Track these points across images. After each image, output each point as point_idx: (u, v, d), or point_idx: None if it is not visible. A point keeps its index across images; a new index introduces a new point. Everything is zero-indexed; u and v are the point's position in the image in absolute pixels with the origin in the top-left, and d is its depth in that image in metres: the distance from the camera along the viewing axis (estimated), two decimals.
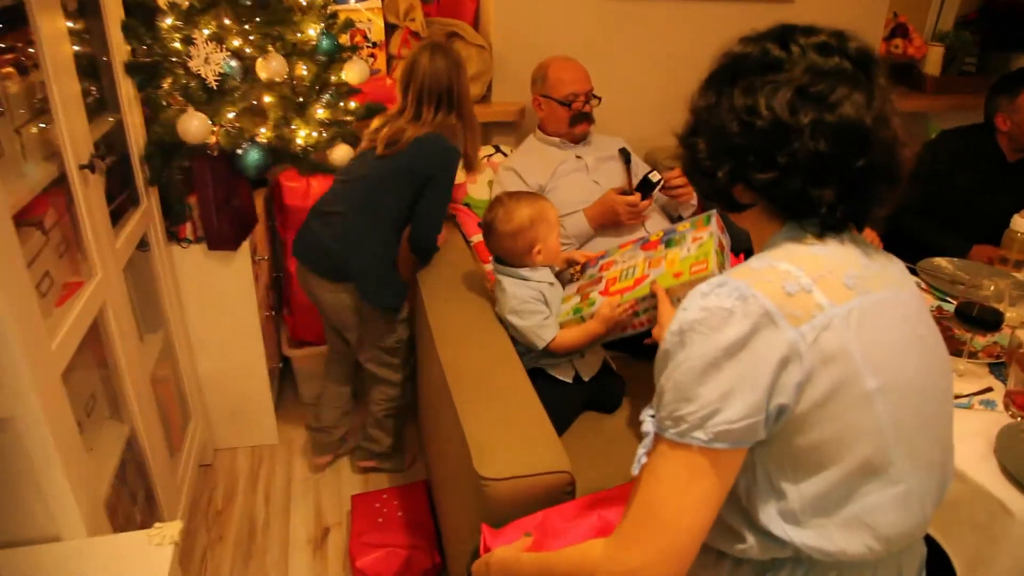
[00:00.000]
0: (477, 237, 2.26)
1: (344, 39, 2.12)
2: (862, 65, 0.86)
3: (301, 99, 2.02)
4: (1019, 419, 1.32)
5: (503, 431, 1.39)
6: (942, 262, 1.95)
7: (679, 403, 0.82)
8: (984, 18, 3.07)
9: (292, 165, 2.09)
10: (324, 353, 2.43)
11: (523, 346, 1.73)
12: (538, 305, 1.71)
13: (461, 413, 1.43)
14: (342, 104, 2.10)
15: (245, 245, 2.05)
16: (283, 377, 2.60)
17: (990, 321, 1.46)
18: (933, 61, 3.03)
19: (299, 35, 1.98)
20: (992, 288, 1.83)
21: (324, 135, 2.06)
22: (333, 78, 2.10)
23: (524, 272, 1.73)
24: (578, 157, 2.32)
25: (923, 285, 1.87)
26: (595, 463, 1.66)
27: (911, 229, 2.44)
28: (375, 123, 1.97)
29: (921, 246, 2.42)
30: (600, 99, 2.30)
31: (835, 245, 0.88)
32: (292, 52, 1.98)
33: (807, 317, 0.80)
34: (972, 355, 1.55)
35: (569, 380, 1.78)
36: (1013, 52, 3.10)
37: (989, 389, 1.43)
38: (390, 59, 2.51)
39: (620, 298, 1.60)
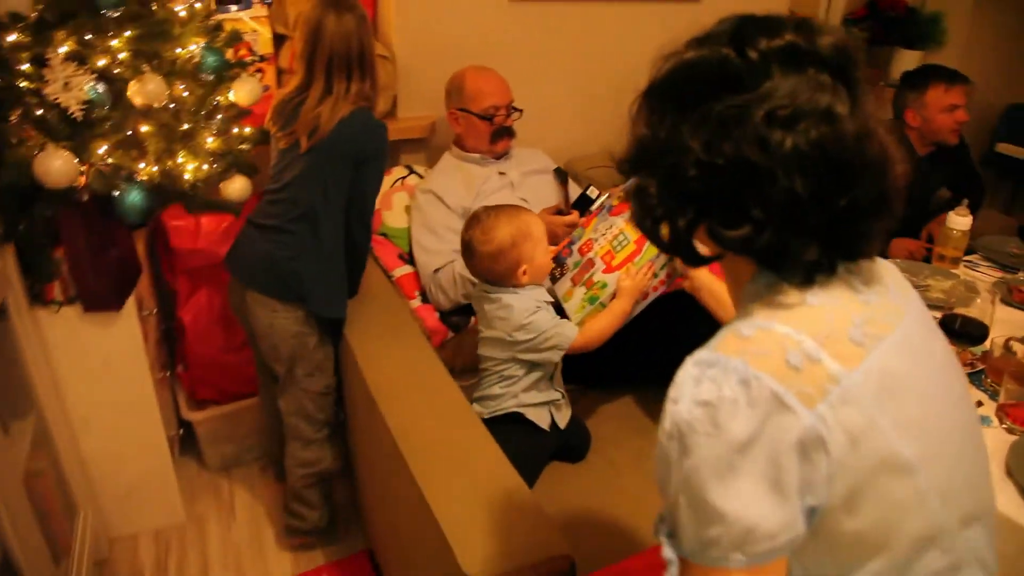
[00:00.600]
0: (400, 271, 2.05)
1: (230, 54, 1.84)
2: (839, 70, 0.70)
3: (186, 126, 1.72)
4: (1020, 433, 1.27)
5: (481, 511, 1.19)
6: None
7: (704, 525, 0.68)
8: (871, 15, 3.15)
9: (182, 204, 1.79)
10: (229, 414, 2.14)
11: (503, 384, 1.56)
12: (543, 312, 1.55)
13: (428, 494, 1.22)
14: (234, 130, 1.82)
15: (130, 301, 1.73)
16: (184, 445, 2.26)
17: (975, 335, 1.41)
18: None
19: (179, 51, 1.69)
20: (940, 287, 1.81)
21: (216, 167, 1.77)
22: (221, 99, 1.81)
23: (520, 289, 1.57)
24: (501, 174, 2.14)
25: None
26: (585, 529, 1.50)
27: None
28: (273, 107, 1.73)
29: None
30: (521, 112, 2.13)
31: (827, 289, 0.74)
32: (171, 71, 1.67)
33: (821, 394, 0.66)
34: None
35: (546, 427, 1.61)
36: (897, 48, 3.19)
37: (979, 404, 1.37)
38: (280, 74, 2.24)
39: (633, 265, 1.47)
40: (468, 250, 1.56)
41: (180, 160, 1.70)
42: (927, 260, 2.11)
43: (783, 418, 0.66)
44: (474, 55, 2.21)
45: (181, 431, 2.18)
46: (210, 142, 1.76)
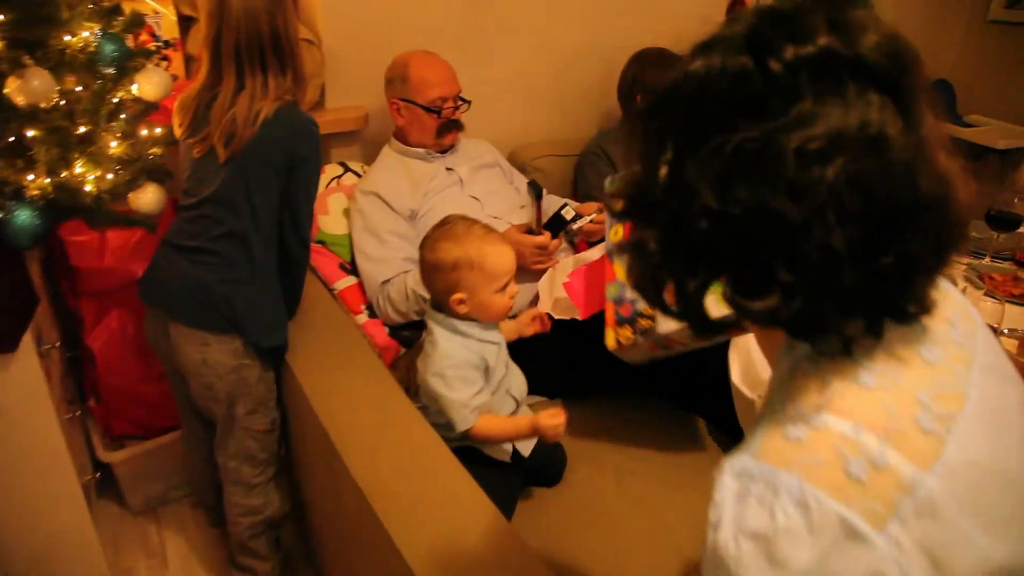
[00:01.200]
0: (343, 283, 1.84)
1: (131, 41, 1.57)
2: (888, 80, 0.54)
3: (83, 129, 1.46)
4: None
5: (457, 551, 1.07)
6: None
7: None
8: None
9: (84, 220, 1.52)
10: (152, 450, 1.90)
11: (440, 422, 1.38)
12: (472, 373, 1.36)
13: (397, 537, 1.08)
14: (143, 131, 1.56)
15: (26, 337, 1.47)
16: (102, 490, 2.00)
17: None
18: None
19: (68, 39, 1.42)
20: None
21: (122, 175, 1.52)
22: (123, 95, 1.55)
23: (463, 325, 1.37)
24: (449, 169, 1.96)
25: None
26: (570, 558, 1.37)
27: None
28: (178, 111, 1.48)
29: None
30: (469, 103, 1.95)
31: (880, 357, 0.59)
32: (61, 64, 1.41)
33: (891, 510, 0.53)
34: None
35: (507, 459, 1.46)
36: None
37: None
38: (189, 61, 1.97)
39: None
40: (422, 246, 1.40)
41: (79, 169, 1.44)
42: None
43: (852, 548, 0.52)
44: (408, 38, 2.01)
45: (98, 474, 1.92)
46: (114, 146, 1.49)
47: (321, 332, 1.63)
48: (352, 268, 1.87)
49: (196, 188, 1.46)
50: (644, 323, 1.29)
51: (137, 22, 1.57)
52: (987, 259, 1.88)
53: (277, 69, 1.40)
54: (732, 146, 0.54)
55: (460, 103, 1.92)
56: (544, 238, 1.76)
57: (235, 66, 1.37)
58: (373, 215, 1.82)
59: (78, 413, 1.85)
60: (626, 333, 1.32)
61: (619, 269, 1.40)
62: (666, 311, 0.64)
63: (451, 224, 1.37)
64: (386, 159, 1.95)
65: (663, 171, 0.60)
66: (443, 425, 1.35)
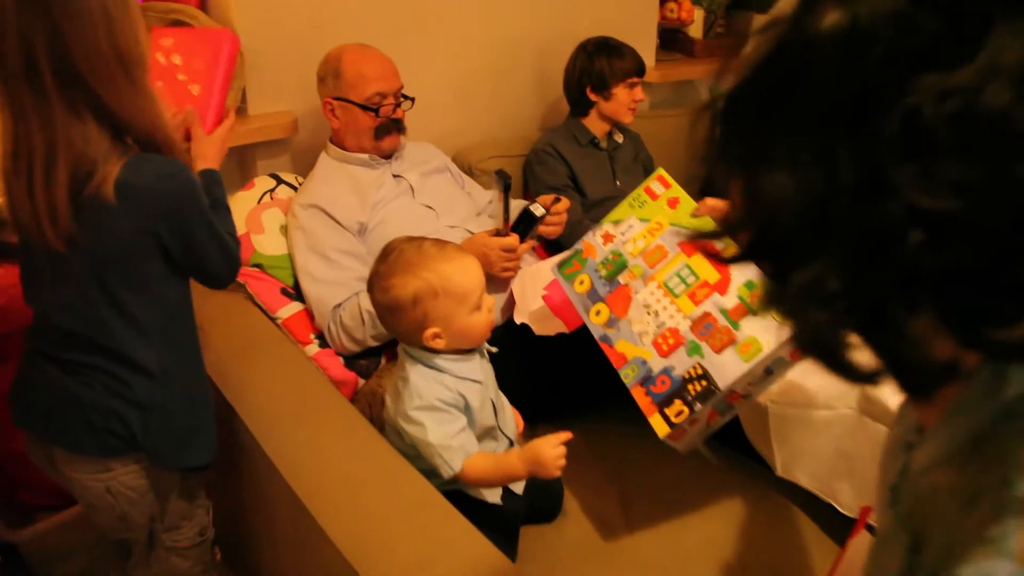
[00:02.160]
0: (286, 310, 1.60)
1: None
2: None
3: None
4: None
5: None
6: None
7: None
8: None
9: None
10: (69, 522, 1.60)
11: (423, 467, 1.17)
12: (450, 412, 1.15)
13: None
14: None
15: None
16: (10, 573, 1.66)
17: None
18: (696, 25, 2.93)
19: None
20: None
21: None
22: None
23: (437, 359, 1.16)
24: (396, 176, 1.75)
25: None
26: None
27: None
28: None
29: None
30: (413, 100, 1.75)
31: None
32: None
33: None
34: None
35: (498, 500, 1.26)
36: (757, 12, 3.14)
37: None
38: None
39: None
40: (369, 288, 1.19)
41: None
42: None
43: None
44: (335, 34, 1.78)
45: (1, 559, 1.58)
46: None
47: (270, 369, 1.39)
48: (296, 293, 1.62)
49: (35, 290, 1.12)
50: (697, 387, 1.09)
51: None
52: None
53: (86, 105, 0.97)
54: (927, 114, 0.37)
55: (402, 100, 1.72)
56: (512, 240, 1.58)
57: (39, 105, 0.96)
58: (317, 232, 1.58)
59: None
60: (677, 409, 1.10)
61: (626, 347, 1.20)
62: (857, 376, 0.46)
63: (396, 251, 1.17)
64: (325, 168, 1.72)
65: (814, 179, 0.42)
66: (427, 471, 1.14)
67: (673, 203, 1.24)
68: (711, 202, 1.20)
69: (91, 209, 0.97)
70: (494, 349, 1.29)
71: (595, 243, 1.33)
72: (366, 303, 1.52)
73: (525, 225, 1.60)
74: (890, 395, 1.22)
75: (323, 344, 1.59)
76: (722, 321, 1.09)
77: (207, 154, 1.26)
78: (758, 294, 1.05)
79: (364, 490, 1.10)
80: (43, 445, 1.15)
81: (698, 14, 2.90)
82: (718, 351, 1.09)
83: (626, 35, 2.17)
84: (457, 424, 1.16)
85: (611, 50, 2.07)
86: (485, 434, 1.26)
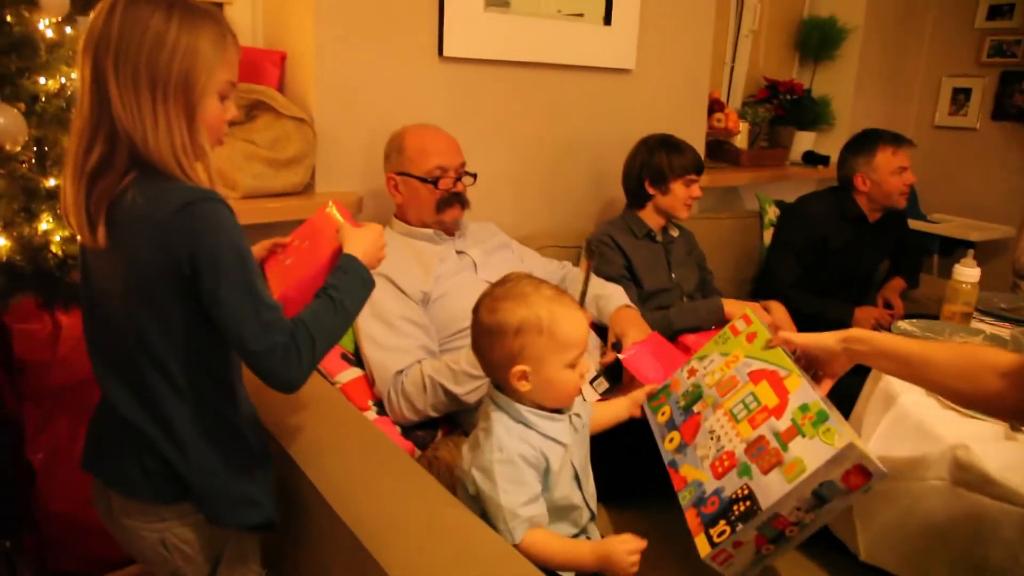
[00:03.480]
0: (346, 375, 1.58)
1: None
2: None
3: (53, 182, 1.23)
4: None
5: None
6: (907, 327, 1.72)
7: None
8: (771, 96, 3.19)
9: (38, 294, 1.25)
10: None
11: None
12: (526, 473, 1.10)
13: None
14: None
15: None
16: None
17: None
18: (741, 136, 3.04)
19: (44, 81, 1.21)
20: (976, 343, 1.63)
21: None
22: None
23: (527, 412, 1.12)
24: (460, 253, 1.77)
25: None
26: None
27: (795, 301, 2.26)
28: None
29: (806, 317, 2.25)
30: (475, 176, 1.80)
31: None
32: (33, 107, 1.20)
33: None
34: None
35: None
36: (798, 129, 3.25)
37: None
38: None
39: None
40: (474, 312, 1.17)
41: (43, 227, 1.19)
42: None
43: None
44: (404, 118, 1.87)
45: None
46: None
47: (331, 429, 1.35)
48: (356, 359, 1.61)
49: (92, 294, 1.08)
50: (741, 507, 1.06)
51: None
52: None
53: (168, 110, 0.98)
54: None
55: (463, 175, 1.77)
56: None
57: (100, 126, 0.99)
58: (382, 300, 1.59)
59: (6, 545, 1.46)
60: (720, 528, 1.06)
61: (689, 471, 1.19)
62: None
63: (514, 281, 1.16)
64: (390, 241, 1.73)
65: None
66: None
67: (751, 337, 1.26)
68: (784, 335, 1.22)
69: (101, 220, 0.95)
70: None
71: (681, 378, 1.35)
72: (429, 369, 1.51)
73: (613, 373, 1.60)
74: (986, 460, 1.15)
75: (381, 411, 1.56)
76: (773, 443, 1.08)
77: (353, 244, 1.16)
78: (810, 416, 1.02)
79: (435, 543, 1.03)
80: (103, 492, 1.11)
81: (743, 126, 3.01)
82: (765, 472, 1.06)
83: None
84: (530, 490, 1.11)
85: (671, 147, 2.13)
86: (564, 515, 1.20)
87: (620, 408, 1.38)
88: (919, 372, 1.07)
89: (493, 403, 1.16)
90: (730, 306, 1.99)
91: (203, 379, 1.04)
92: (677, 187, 2.11)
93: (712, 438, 1.18)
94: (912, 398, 1.39)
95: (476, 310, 1.17)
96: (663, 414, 1.33)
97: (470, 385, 1.50)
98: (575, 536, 1.22)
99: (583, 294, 1.57)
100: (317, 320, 1.03)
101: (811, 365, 1.22)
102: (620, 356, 1.58)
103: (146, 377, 1.01)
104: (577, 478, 1.21)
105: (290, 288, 1.15)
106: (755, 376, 1.18)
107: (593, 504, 1.25)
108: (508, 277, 1.18)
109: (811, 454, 1.02)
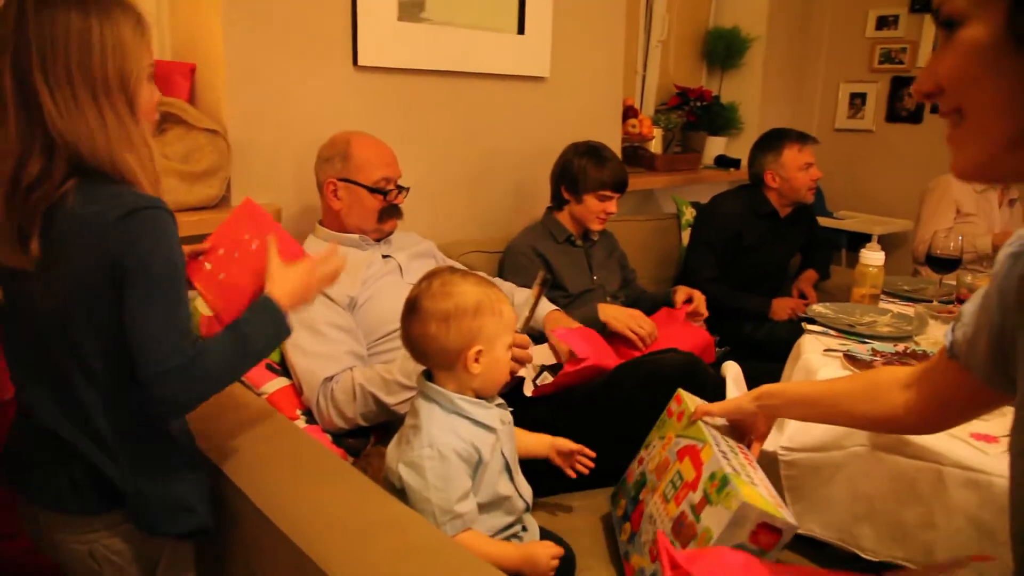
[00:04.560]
0: (272, 385, 1.54)
1: None
2: None
3: None
4: None
5: None
6: (821, 309, 1.80)
7: None
8: (683, 104, 3.31)
9: None
10: None
11: None
12: (458, 467, 1.10)
13: None
14: None
15: None
16: None
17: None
18: (656, 142, 3.13)
19: None
20: (884, 322, 1.72)
21: None
22: None
23: (459, 399, 1.11)
24: (386, 257, 1.76)
25: (832, 333, 1.68)
26: None
27: (715, 296, 2.33)
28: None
29: (726, 310, 2.33)
30: (407, 190, 1.80)
31: None
32: None
33: None
34: None
35: None
36: (709, 134, 3.38)
37: None
38: None
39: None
40: (412, 308, 1.15)
41: None
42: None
43: None
44: (322, 131, 1.85)
45: None
46: None
47: (259, 437, 1.31)
48: (281, 368, 1.57)
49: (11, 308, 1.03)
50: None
51: None
52: (935, 302, 1.89)
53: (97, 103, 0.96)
54: None
55: (400, 189, 1.77)
56: (523, 338, 1.45)
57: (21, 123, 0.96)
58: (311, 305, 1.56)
59: None
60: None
61: (636, 560, 1.19)
62: None
63: (451, 271, 1.18)
64: (313, 249, 1.71)
65: None
66: None
67: (680, 416, 1.27)
68: (703, 407, 1.22)
69: (35, 231, 0.92)
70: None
71: (633, 469, 1.36)
72: (360, 378, 1.49)
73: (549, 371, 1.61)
74: None
75: (310, 420, 1.53)
76: (690, 517, 1.09)
77: (279, 284, 1.13)
78: (715, 483, 1.05)
79: (374, 539, 1.01)
80: (28, 508, 1.05)
81: (657, 132, 3.10)
82: (684, 547, 1.08)
83: None
84: (461, 487, 1.10)
85: (595, 158, 2.11)
86: (498, 505, 1.19)
87: (541, 446, 1.36)
88: (830, 408, 1.07)
89: (423, 396, 1.15)
90: (604, 312, 1.95)
91: (135, 385, 0.98)
92: (590, 199, 2.10)
93: (650, 522, 1.19)
94: (829, 373, 1.45)
95: (417, 301, 1.15)
96: (620, 508, 1.34)
97: (402, 396, 1.49)
98: (510, 525, 1.21)
99: (527, 319, 1.57)
100: (222, 357, 1.01)
101: (738, 433, 1.23)
102: (554, 332, 1.60)
103: (75, 388, 0.98)
104: (508, 469, 1.21)
105: (227, 312, 1.16)
106: (681, 454, 1.19)
107: (528, 496, 1.25)
108: (438, 270, 1.19)
109: (715, 521, 1.03)
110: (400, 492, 1.12)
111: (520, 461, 1.26)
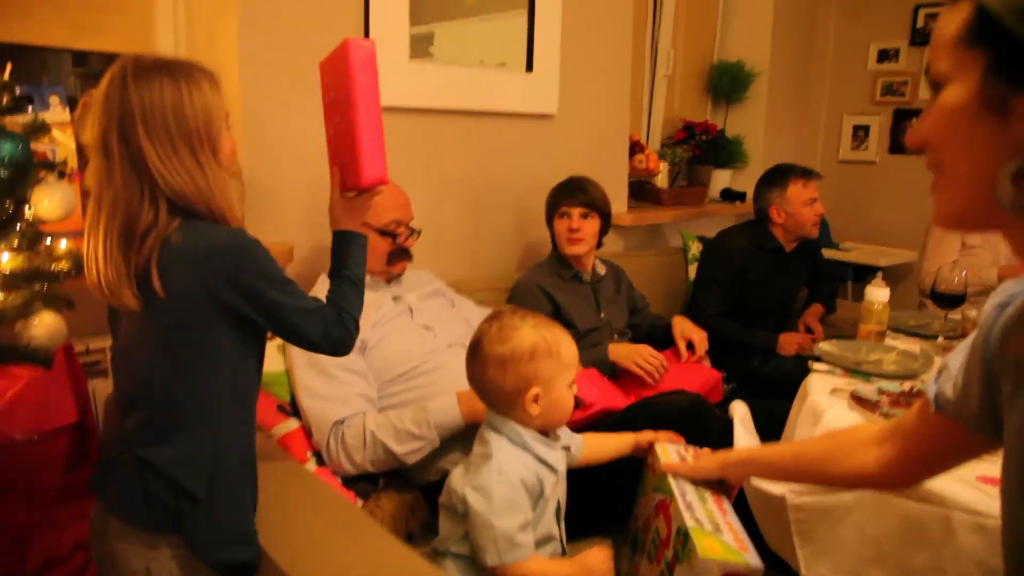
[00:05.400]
0: (283, 427, 1.55)
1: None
2: None
3: None
4: None
5: None
6: (827, 347, 1.81)
7: None
8: (689, 138, 3.34)
9: None
10: None
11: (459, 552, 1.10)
12: (523, 498, 1.12)
13: None
14: (44, 244, 1.30)
15: None
16: None
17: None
18: (662, 176, 3.16)
19: None
20: (890, 360, 1.73)
21: (13, 297, 1.24)
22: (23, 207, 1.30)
23: (527, 435, 1.15)
24: (396, 298, 1.78)
25: (838, 372, 1.68)
26: None
27: (722, 331, 2.35)
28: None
29: (733, 345, 2.34)
30: (419, 233, 1.83)
31: None
32: None
33: None
34: None
35: None
36: (714, 167, 3.41)
37: None
38: (86, 196, 1.73)
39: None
40: (475, 351, 1.19)
41: None
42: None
43: None
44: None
45: None
46: (5, 260, 1.23)
47: (272, 481, 1.32)
48: (292, 410, 1.59)
49: (124, 338, 1.17)
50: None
51: (41, 128, 1.36)
52: (940, 339, 1.90)
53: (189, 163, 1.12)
54: None
55: (411, 231, 1.80)
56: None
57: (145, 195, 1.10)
58: None
59: None
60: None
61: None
62: None
63: (511, 312, 1.21)
64: (324, 289, 1.74)
65: None
66: (461, 556, 1.08)
67: (655, 471, 1.27)
68: (670, 467, 1.22)
69: (155, 269, 1.03)
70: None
71: (630, 527, 1.36)
72: (372, 424, 1.50)
73: None
74: None
75: (320, 462, 1.53)
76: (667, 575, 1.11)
77: (341, 217, 1.28)
78: (681, 539, 1.06)
79: None
80: (103, 514, 1.12)
81: (663, 166, 3.13)
82: None
83: (600, 183, 2.30)
84: (524, 516, 1.12)
85: (571, 185, 2.15)
86: (542, 544, 1.21)
87: (623, 443, 1.38)
88: (801, 473, 1.07)
89: (491, 428, 1.18)
90: (614, 352, 1.96)
91: (231, 403, 1.12)
92: (555, 223, 2.14)
93: None
94: (837, 413, 1.45)
95: (479, 344, 1.18)
96: (623, 568, 1.34)
97: (411, 445, 1.50)
98: None
99: None
100: (344, 298, 1.22)
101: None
102: None
103: (171, 418, 1.08)
104: (558, 512, 1.23)
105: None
106: (657, 510, 1.20)
107: (564, 539, 1.26)
108: (500, 312, 1.22)
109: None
110: (460, 516, 1.13)
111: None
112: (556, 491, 1.20)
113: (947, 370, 0.83)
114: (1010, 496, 0.70)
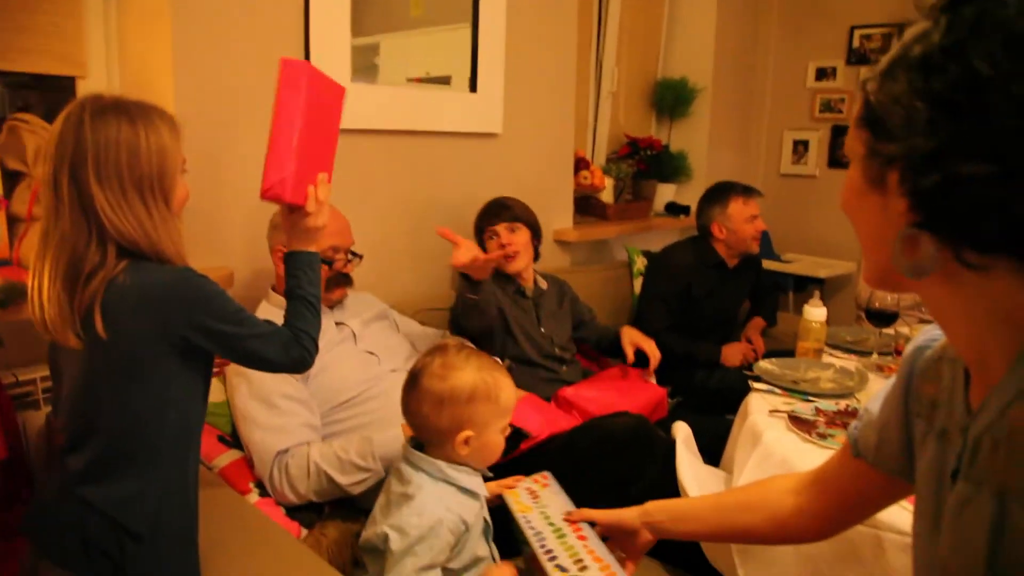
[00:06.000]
0: (224, 458, 1.53)
1: None
2: None
3: None
4: None
5: None
6: (767, 366, 1.85)
7: None
8: (633, 153, 3.39)
9: None
10: None
11: None
12: (442, 540, 1.10)
13: None
14: None
15: None
16: None
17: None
18: (607, 191, 3.20)
19: None
20: (827, 377, 1.78)
21: None
22: None
23: (450, 468, 1.13)
24: (339, 324, 1.76)
25: (778, 391, 1.72)
26: None
27: (667, 344, 2.38)
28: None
29: (678, 359, 2.38)
30: (361, 257, 1.81)
31: None
32: None
33: None
34: None
35: None
36: (659, 182, 3.46)
37: None
38: (13, 224, 1.67)
39: None
40: (412, 382, 1.16)
41: None
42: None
43: None
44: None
45: None
46: None
47: (213, 515, 1.29)
48: (234, 440, 1.56)
49: (63, 369, 1.16)
50: None
51: None
52: (875, 356, 1.96)
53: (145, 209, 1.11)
54: None
55: (352, 257, 1.78)
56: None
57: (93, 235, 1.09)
58: (260, 378, 1.55)
59: None
60: None
61: None
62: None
63: (457, 350, 1.18)
64: (269, 315, 1.69)
65: None
66: None
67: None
68: (586, 514, 1.20)
69: (97, 310, 1.02)
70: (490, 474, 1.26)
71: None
72: (316, 455, 1.48)
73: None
74: None
75: (263, 493, 1.51)
76: None
77: (289, 239, 1.29)
78: None
79: None
80: (34, 560, 1.10)
81: (608, 182, 3.17)
82: None
83: (545, 200, 2.33)
84: (440, 557, 1.10)
85: (493, 205, 2.21)
86: (473, 565, 1.19)
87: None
88: (719, 524, 1.05)
89: (410, 464, 1.15)
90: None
91: (170, 446, 1.11)
92: (488, 245, 2.17)
93: None
94: (774, 435, 1.49)
95: (417, 377, 1.16)
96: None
97: (356, 477, 1.49)
98: None
99: None
100: (300, 318, 1.23)
101: (618, 542, 1.17)
102: None
103: (113, 459, 1.07)
104: (486, 532, 1.22)
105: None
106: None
107: (497, 557, 1.26)
108: (445, 344, 1.20)
109: None
110: (380, 554, 1.11)
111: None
112: (480, 515, 1.18)
113: (867, 414, 0.86)
114: (918, 536, 0.72)
